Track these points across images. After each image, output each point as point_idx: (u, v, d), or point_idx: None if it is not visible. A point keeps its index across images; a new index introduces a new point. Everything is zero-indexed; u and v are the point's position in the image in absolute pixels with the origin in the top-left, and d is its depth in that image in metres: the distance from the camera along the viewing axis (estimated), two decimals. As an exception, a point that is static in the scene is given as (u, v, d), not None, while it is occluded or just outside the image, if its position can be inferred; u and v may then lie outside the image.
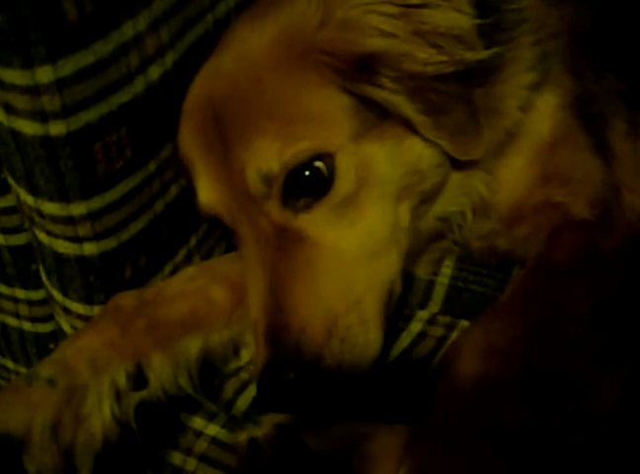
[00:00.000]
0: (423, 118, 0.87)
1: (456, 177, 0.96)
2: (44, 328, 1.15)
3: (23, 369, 1.21)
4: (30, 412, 0.84)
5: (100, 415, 0.88)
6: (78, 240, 0.93)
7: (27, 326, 1.15)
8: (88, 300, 0.98)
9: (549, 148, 0.98)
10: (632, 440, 0.79)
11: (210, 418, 1.01)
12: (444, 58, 0.85)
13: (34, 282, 1.09)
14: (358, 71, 0.85)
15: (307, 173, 0.87)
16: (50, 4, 0.81)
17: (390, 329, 0.93)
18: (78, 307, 0.99)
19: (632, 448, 0.79)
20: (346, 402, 0.89)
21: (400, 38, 0.84)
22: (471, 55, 0.86)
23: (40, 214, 0.92)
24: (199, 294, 0.99)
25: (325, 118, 0.87)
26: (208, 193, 0.94)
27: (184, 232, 1.07)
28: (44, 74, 0.82)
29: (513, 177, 0.99)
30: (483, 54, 0.87)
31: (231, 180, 0.90)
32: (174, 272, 1.04)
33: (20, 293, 1.12)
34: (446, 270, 1.04)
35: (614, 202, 0.97)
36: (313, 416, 0.86)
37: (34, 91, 0.83)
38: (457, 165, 0.94)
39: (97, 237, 0.94)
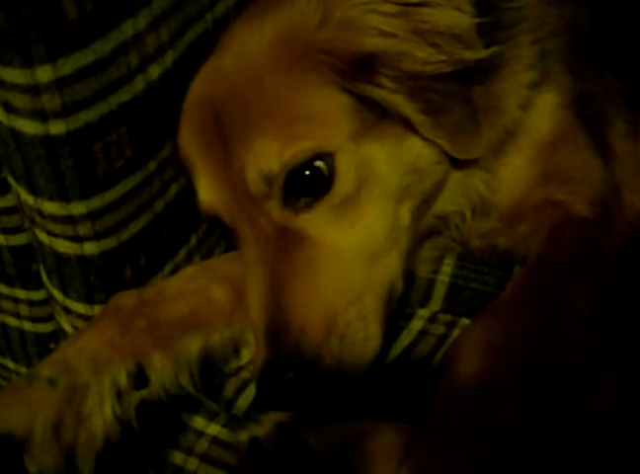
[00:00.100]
0: (422, 118, 0.87)
1: (456, 176, 0.96)
2: (45, 328, 1.15)
3: (23, 369, 1.21)
4: (30, 412, 0.84)
5: (101, 414, 0.88)
6: (78, 240, 0.93)
7: (27, 326, 1.15)
8: (88, 300, 0.98)
9: (549, 147, 0.98)
10: (632, 440, 0.79)
11: (211, 417, 1.01)
12: (444, 57, 0.85)
13: (34, 282, 1.09)
14: (357, 71, 0.85)
15: (307, 173, 0.87)
16: (50, 3, 0.81)
17: (391, 327, 0.93)
18: (78, 307, 0.99)
19: (632, 447, 0.79)
20: (346, 401, 0.89)
21: (399, 37, 0.84)
22: (470, 54, 0.86)
23: (41, 214, 0.92)
24: (199, 294, 0.99)
25: (325, 118, 0.87)
26: (208, 192, 0.94)
27: (184, 232, 1.07)
28: (44, 73, 0.82)
29: (513, 175, 0.99)
30: (482, 53, 0.87)
31: (231, 180, 0.90)
32: (174, 271, 1.04)
33: (20, 293, 1.12)
34: (447, 268, 1.04)
35: (614, 201, 0.97)
36: (313, 414, 0.86)
37: (34, 90, 0.83)
38: (457, 164, 0.94)
39: (97, 237, 0.94)
